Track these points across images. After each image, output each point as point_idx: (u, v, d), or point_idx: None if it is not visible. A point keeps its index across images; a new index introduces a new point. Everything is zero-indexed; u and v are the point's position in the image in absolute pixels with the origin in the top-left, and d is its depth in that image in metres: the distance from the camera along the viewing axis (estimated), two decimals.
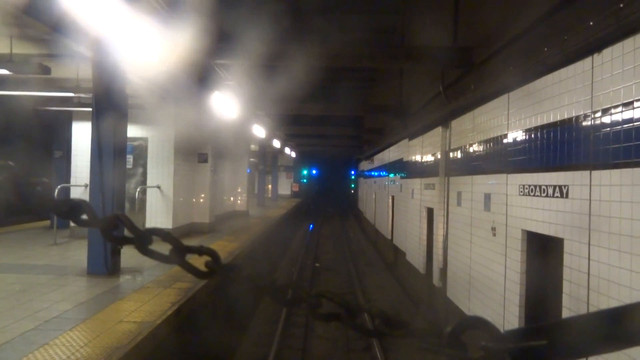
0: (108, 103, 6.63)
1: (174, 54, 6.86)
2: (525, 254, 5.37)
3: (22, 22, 5.74)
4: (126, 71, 6.97)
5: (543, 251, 5.09)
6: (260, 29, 7.90)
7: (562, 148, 4.54)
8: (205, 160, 12.55)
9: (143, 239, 0.89)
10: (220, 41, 8.07)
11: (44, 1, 4.80)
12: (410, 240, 12.05)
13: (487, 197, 6.46)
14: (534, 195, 5.05)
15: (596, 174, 3.93)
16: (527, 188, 5.23)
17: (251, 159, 22.63)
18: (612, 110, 3.75)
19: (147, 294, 5.76)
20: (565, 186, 4.43)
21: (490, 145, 6.50)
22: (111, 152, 6.64)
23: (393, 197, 15.95)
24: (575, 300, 4.20)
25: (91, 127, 6.84)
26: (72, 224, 9.43)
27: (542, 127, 4.94)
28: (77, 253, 8.14)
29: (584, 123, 4.16)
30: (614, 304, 3.39)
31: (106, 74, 6.59)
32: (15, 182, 14.42)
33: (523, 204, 5.32)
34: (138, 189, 10.44)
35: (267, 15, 9.32)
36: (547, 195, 4.76)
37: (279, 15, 9.78)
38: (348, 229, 27.82)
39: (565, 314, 4.37)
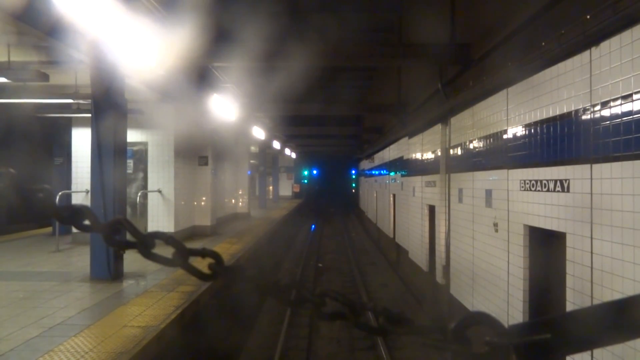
0: (107, 106, 6.64)
1: (171, 56, 6.87)
2: (527, 249, 5.37)
3: (19, 30, 5.75)
4: (124, 74, 6.99)
5: (546, 246, 5.08)
6: (257, 29, 7.90)
7: (562, 142, 4.54)
8: (206, 163, 12.56)
9: (146, 243, 0.89)
10: (217, 43, 8.07)
11: (39, 8, 4.81)
12: (413, 238, 12.05)
13: (489, 193, 6.46)
14: (535, 190, 5.04)
15: (597, 167, 3.93)
16: (528, 183, 5.22)
17: (251, 161, 22.64)
18: (611, 103, 3.75)
19: (151, 298, 5.76)
20: (566, 180, 4.43)
21: (490, 141, 6.50)
22: (111, 156, 6.66)
23: (394, 196, 15.95)
24: (579, 294, 4.20)
25: (91, 132, 6.85)
26: (74, 230, 9.43)
27: (542, 121, 4.94)
28: (80, 259, 8.15)
29: (584, 117, 4.15)
30: (617, 296, 3.38)
31: (104, 77, 6.60)
32: (16, 189, 14.43)
33: (524, 199, 5.31)
34: (139, 194, 10.45)
35: (264, 14, 9.32)
36: (548, 190, 4.76)
37: (276, 14, 9.77)
38: (350, 228, 27.81)
39: (569, 308, 4.37)
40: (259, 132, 16.47)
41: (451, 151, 8.47)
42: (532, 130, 5.16)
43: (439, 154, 9.08)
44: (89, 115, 7.48)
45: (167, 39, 6.54)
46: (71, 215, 0.88)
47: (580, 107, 4.21)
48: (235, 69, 11.29)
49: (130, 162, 10.44)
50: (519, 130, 5.50)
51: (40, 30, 5.17)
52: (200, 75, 9.43)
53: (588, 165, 4.05)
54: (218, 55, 8.33)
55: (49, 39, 5.50)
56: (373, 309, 0.86)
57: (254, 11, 9.75)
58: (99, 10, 4.90)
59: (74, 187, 10.46)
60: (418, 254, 11.29)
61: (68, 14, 4.82)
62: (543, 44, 4.73)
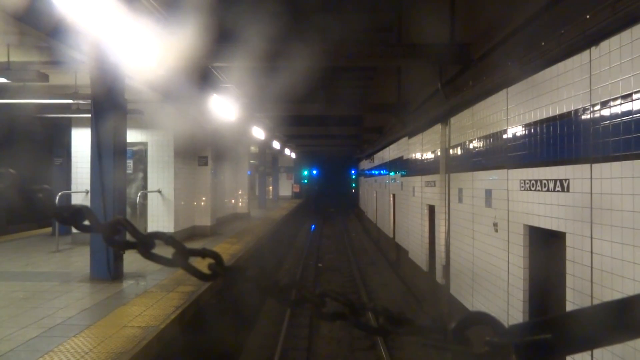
0: (107, 107, 6.65)
1: (172, 57, 6.87)
2: (527, 249, 5.37)
3: (18, 30, 5.74)
4: (124, 75, 6.98)
5: (546, 245, 5.09)
6: (258, 29, 7.91)
7: (562, 142, 4.54)
8: (206, 164, 12.56)
9: (145, 243, 0.89)
10: (218, 43, 8.07)
11: (40, 9, 4.80)
12: (413, 238, 12.05)
13: (488, 192, 6.46)
14: (535, 190, 5.05)
15: (597, 167, 3.93)
16: (528, 183, 5.23)
17: (251, 161, 22.64)
18: (611, 103, 3.75)
19: (151, 299, 5.76)
20: (566, 180, 4.43)
21: (490, 141, 6.50)
22: (111, 156, 6.66)
23: (394, 196, 15.95)
24: (579, 294, 4.20)
25: (91, 132, 6.85)
26: (74, 230, 9.43)
27: (542, 121, 4.94)
28: (80, 259, 8.15)
29: (583, 116, 4.16)
30: (617, 296, 3.38)
31: (104, 78, 6.60)
32: (16, 190, 14.43)
33: (524, 199, 5.32)
34: (139, 194, 10.44)
35: (265, 14, 9.32)
36: (548, 190, 4.76)
37: (277, 15, 9.78)
38: (350, 228, 27.81)
39: (569, 307, 4.37)
40: (259, 133, 16.47)
41: (451, 151, 8.47)
42: (532, 130, 5.16)
43: (439, 153, 9.09)
44: (89, 115, 7.48)
45: (167, 40, 6.54)
46: (71, 216, 0.88)
47: (580, 106, 4.21)
48: (236, 69, 11.29)
49: (130, 163, 10.44)
50: (519, 130, 5.50)
51: (41, 31, 5.17)
52: (200, 76, 9.43)
53: (588, 165, 4.05)
54: (219, 56, 8.33)
55: (49, 39, 5.50)
56: (373, 309, 0.86)
57: (255, 11, 9.75)
58: (100, 11, 4.90)
59: (73, 188, 10.46)
60: (418, 253, 11.29)
61: (69, 15, 4.82)
62: (543, 43, 4.73)
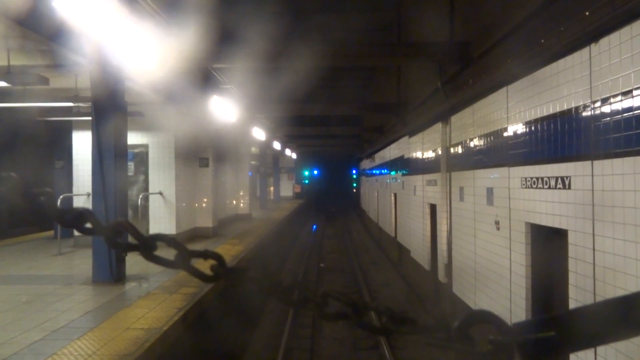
0: (107, 109, 6.66)
1: (173, 59, 6.87)
2: (529, 247, 5.36)
3: (19, 34, 5.75)
4: (124, 77, 6.99)
5: (548, 243, 5.08)
6: (259, 30, 7.91)
7: (562, 139, 4.53)
8: (207, 165, 12.57)
9: (148, 245, 0.89)
10: (218, 45, 8.07)
11: (42, 12, 4.81)
12: (414, 238, 12.04)
13: (490, 191, 6.46)
14: (536, 188, 5.04)
15: (598, 163, 3.92)
16: (529, 180, 5.22)
17: (252, 162, 22.64)
18: (612, 100, 3.74)
19: (154, 301, 5.76)
20: (567, 177, 4.43)
21: (490, 139, 6.49)
22: (112, 158, 6.66)
23: (395, 195, 15.94)
24: (581, 291, 4.19)
25: (91, 135, 6.86)
26: (76, 233, 9.41)
27: (542, 119, 4.93)
28: (82, 262, 8.15)
29: (584, 113, 4.15)
30: (620, 293, 3.38)
31: (104, 80, 6.60)
32: (18, 193, 14.42)
33: (526, 197, 5.31)
34: (140, 196, 10.45)
35: (265, 15, 9.33)
36: (549, 187, 4.76)
37: (277, 15, 9.79)
38: (351, 228, 27.80)
39: (572, 305, 4.36)
40: (259, 133, 16.47)
41: (452, 149, 8.46)
42: (533, 128, 5.16)
43: (440, 152, 9.08)
44: (90, 118, 7.49)
45: (168, 42, 6.55)
46: (73, 219, 0.88)
47: (581, 103, 4.20)
48: (237, 71, 11.30)
49: (131, 165, 10.45)
50: (520, 128, 5.50)
51: (43, 35, 5.17)
52: (201, 78, 9.44)
53: (589, 162, 4.05)
54: (220, 57, 8.33)
55: (50, 43, 5.51)
56: (376, 308, 0.86)
57: (256, 12, 9.76)
58: (101, 15, 4.90)
59: (75, 190, 10.47)
60: (420, 252, 11.29)
61: (70, 19, 4.82)
62: (543, 41, 4.73)
